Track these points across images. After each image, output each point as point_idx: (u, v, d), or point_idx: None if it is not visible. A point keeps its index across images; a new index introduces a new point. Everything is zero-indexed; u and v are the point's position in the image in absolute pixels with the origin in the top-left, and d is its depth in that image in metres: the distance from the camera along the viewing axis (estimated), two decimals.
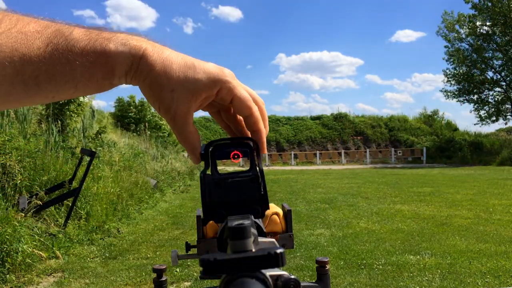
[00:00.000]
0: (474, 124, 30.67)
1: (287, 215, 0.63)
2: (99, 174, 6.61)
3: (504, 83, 24.74)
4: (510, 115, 25.15)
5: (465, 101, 25.85)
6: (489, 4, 22.59)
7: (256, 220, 0.50)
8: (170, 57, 0.43)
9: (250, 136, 0.49)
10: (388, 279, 3.56)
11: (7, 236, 3.78)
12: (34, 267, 3.88)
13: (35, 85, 0.40)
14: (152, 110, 18.68)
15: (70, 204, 5.11)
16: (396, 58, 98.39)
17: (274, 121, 28.82)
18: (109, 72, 0.42)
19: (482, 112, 25.55)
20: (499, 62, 24.49)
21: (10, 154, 5.10)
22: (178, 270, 3.82)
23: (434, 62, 79.50)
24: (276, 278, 0.37)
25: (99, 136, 8.71)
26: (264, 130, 0.48)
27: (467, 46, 25.03)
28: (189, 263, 4.00)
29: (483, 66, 24.77)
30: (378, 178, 13.26)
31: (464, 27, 24.66)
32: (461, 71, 25.38)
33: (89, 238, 5.01)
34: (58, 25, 0.41)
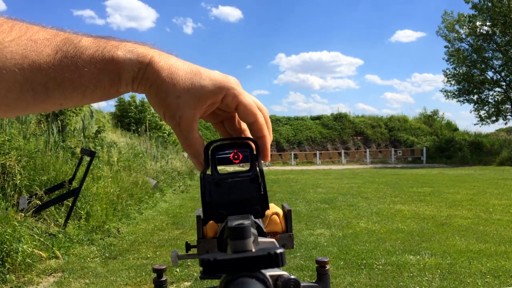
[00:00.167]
0: (474, 124, 30.78)
1: (287, 215, 0.63)
2: (99, 174, 6.61)
3: (504, 83, 24.75)
4: (510, 115, 25.17)
5: (465, 101, 25.87)
6: (489, 4, 22.60)
7: (256, 220, 0.50)
8: (176, 64, 0.44)
9: None
10: (388, 279, 3.56)
11: (7, 236, 3.78)
12: (34, 267, 3.88)
13: (44, 92, 0.40)
14: (152, 110, 18.70)
15: (70, 204, 5.11)
16: (396, 58, 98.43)
17: (274, 121, 28.80)
18: (116, 79, 0.42)
19: (482, 112, 25.59)
20: (499, 62, 24.50)
21: (10, 154, 5.10)
22: (178, 270, 3.82)
23: (434, 62, 79.58)
24: (276, 278, 0.37)
25: (98, 135, 8.71)
26: (269, 136, 0.48)
27: (467, 46, 25.07)
28: (189, 263, 4.00)
29: (483, 66, 24.77)
30: (378, 178, 13.26)
31: (464, 27, 24.67)
32: (461, 71, 25.39)
33: (89, 238, 5.01)
34: (67, 34, 0.42)
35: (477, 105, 25.61)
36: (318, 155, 24.42)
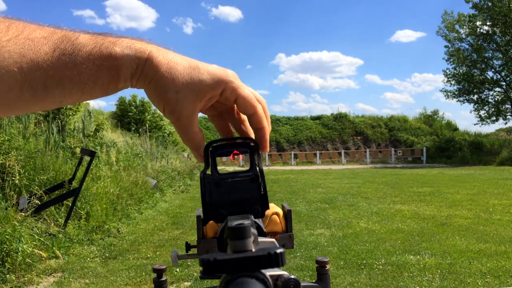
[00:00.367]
0: (474, 124, 30.75)
1: (287, 215, 0.63)
2: (98, 174, 6.61)
3: (504, 83, 24.75)
4: (510, 115, 25.17)
5: (465, 101, 25.86)
6: (489, 4, 22.60)
7: (256, 220, 0.50)
8: (174, 59, 0.44)
9: (253, 134, 0.49)
10: (388, 279, 3.56)
11: (7, 236, 3.78)
12: (34, 267, 3.88)
13: (44, 90, 0.40)
14: (153, 110, 18.70)
15: (70, 204, 5.11)
16: (396, 58, 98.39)
17: (274, 121, 28.80)
18: (115, 75, 0.42)
19: (482, 112, 25.58)
20: (499, 62, 24.50)
21: (9, 154, 5.10)
22: (178, 270, 3.82)
23: (434, 62, 79.57)
24: (276, 278, 0.37)
25: (97, 133, 8.72)
26: (268, 127, 0.48)
27: (467, 46, 25.07)
28: (189, 263, 4.00)
29: (483, 66, 24.77)
30: (378, 178, 13.26)
31: (464, 27, 24.67)
32: (461, 71, 25.39)
33: (89, 238, 5.01)
34: (64, 31, 0.42)
35: (477, 105, 25.61)
36: (318, 155, 24.42)
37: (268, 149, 0.49)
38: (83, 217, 5.38)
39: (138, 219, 6.51)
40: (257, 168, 0.46)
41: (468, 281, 3.47)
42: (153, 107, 18.86)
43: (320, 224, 5.91)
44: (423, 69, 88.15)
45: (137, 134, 15.73)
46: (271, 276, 0.36)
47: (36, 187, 5.25)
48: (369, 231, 5.40)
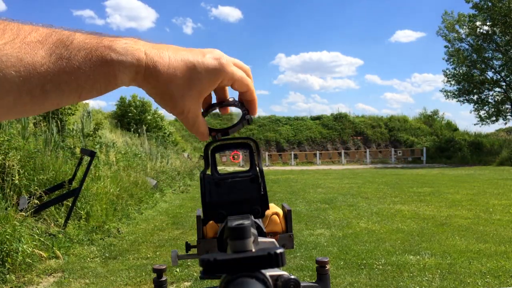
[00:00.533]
0: (474, 124, 30.75)
1: (287, 215, 0.63)
2: (97, 174, 6.61)
3: (504, 83, 24.74)
4: (510, 115, 25.16)
5: (465, 101, 25.86)
6: (489, 3, 22.60)
7: (256, 220, 0.51)
8: (171, 63, 0.45)
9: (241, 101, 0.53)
10: (388, 279, 3.56)
11: (7, 236, 3.78)
12: (34, 267, 3.88)
13: (42, 94, 0.40)
14: (153, 110, 18.70)
15: (70, 204, 5.11)
16: (396, 58, 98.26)
17: (274, 121, 28.81)
18: (112, 80, 0.43)
19: (482, 112, 25.57)
20: (499, 62, 24.49)
21: (9, 154, 5.10)
22: (178, 270, 3.82)
23: (434, 62, 79.41)
24: (276, 278, 0.37)
25: (96, 132, 8.72)
26: (256, 97, 0.53)
27: (467, 46, 25.06)
28: (189, 263, 4.00)
29: (483, 66, 24.76)
30: (378, 178, 13.26)
31: (464, 27, 24.67)
32: (461, 71, 25.39)
33: (89, 238, 5.01)
34: (58, 34, 0.41)
35: (477, 105, 25.61)
36: (318, 155, 24.42)
37: (256, 112, 0.54)
38: (83, 217, 5.38)
39: (138, 219, 6.50)
40: (257, 168, 0.46)
41: (468, 281, 3.47)
42: (153, 107, 18.87)
43: (320, 224, 5.91)
44: (423, 69, 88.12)
45: (137, 134, 15.73)
46: (271, 276, 0.36)
47: (36, 187, 5.25)
48: (369, 231, 5.40)
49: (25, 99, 0.40)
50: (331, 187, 10.69)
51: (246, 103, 0.52)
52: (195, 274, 3.73)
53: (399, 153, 24.55)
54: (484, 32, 23.87)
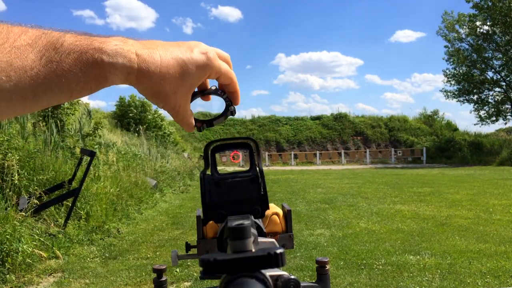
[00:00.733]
0: (474, 124, 30.74)
1: (287, 215, 0.63)
2: (97, 174, 6.61)
3: (504, 83, 24.74)
4: (510, 115, 25.17)
5: (465, 101, 25.86)
6: (489, 3, 22.60)
7: (256, 220, 0.51)
8: (163, 62, 0.46)
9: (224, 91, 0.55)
10: (388, 279, 3.56)
11: (7, 236, 3.78)
12: (34, 267, 3.88)
13: (33, 97, 0.40)
14: (153, 109, 18.69)
15: (70, 204, 5.11)
16: (396, 58, 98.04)
17: (274, 121, 28.82)
18: (103, 82, 0.44)
19: (482, 112, 25.58)
20: (499, 62, 24.50)
21: (9, 154, 5.10)
22: (178, 270, 3.82)
23: (434, 62, 79.22)
24: (276, 278, 0.37)
25: (96, 131, 8.71)
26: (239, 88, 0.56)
27: (467, 46, 25.07)
28: (189, 263, 4.00)
29: (483, 66, 24.77)
30: (378, 178, 13.26)
31: (464, 27, 24.67)
32: (461, 71, 25.39)
33: (89, 238, 5.01)
34: (48, 36, 0.41)
35: (477, 105, 25.61)
36: (318, 155, 24.41)
37: (239, 101, 0.55)
38: (83, 217, 5.37)
39: (138, 219, 6.50)
40: (257, 168, 0.46)
41: (468, 281, 3.47)
42: (154, 107, 18.86)
43: (320, 224, 5.91)
44: (423, 69, 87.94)
45: (136, 134, 15.73)
46: (271, 276, 0.36)
47: (36, 187, 5.25)
48: (369, 231, 5.40)
49: (16, 103, 0.40)
50: (331, 187, 10.69)
51: (229, 94, 0.54)
52: (195, 274, 3.73)
53: (399, 153, 24.55)
54: (484, 32, 23.88)
